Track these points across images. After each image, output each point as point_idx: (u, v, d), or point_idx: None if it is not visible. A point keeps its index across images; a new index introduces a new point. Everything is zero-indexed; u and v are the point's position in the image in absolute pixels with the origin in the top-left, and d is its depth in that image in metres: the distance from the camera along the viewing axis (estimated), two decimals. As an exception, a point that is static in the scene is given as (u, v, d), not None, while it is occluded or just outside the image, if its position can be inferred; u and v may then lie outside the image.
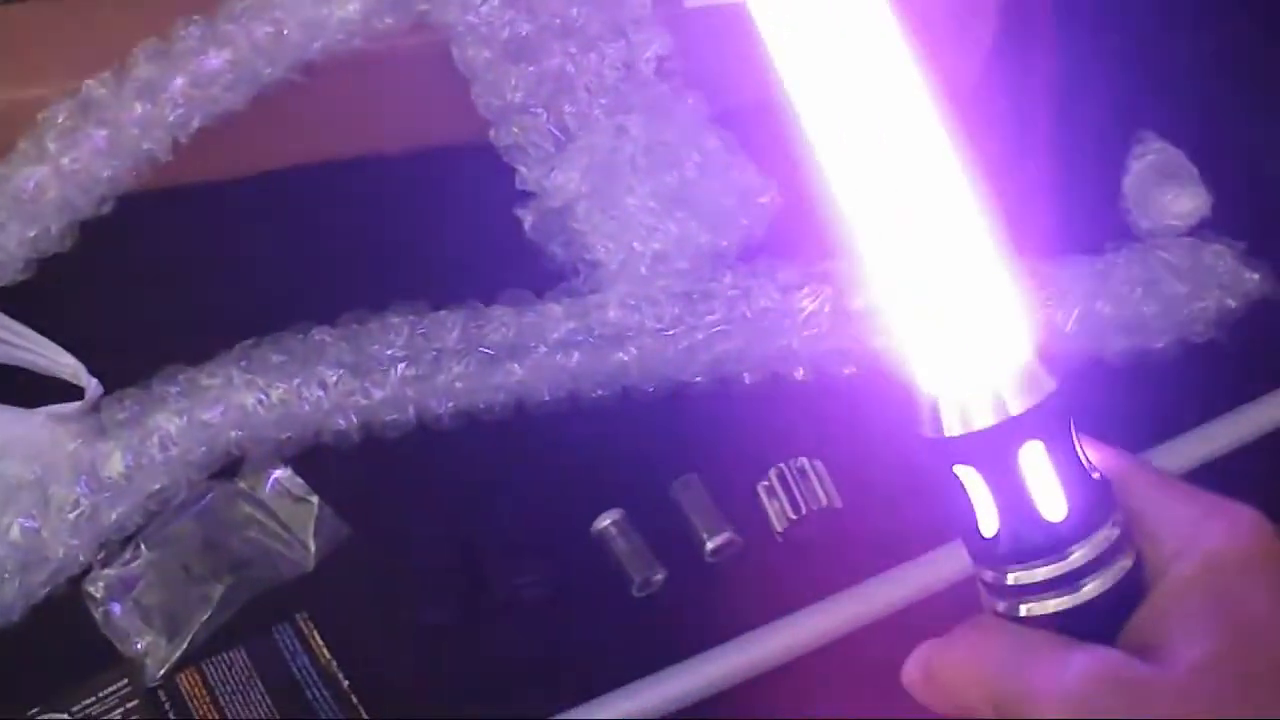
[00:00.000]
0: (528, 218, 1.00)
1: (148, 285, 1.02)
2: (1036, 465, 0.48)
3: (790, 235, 1.00)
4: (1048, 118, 1.12)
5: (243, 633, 0.90)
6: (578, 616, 0.91)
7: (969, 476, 0.49)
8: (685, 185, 0.98)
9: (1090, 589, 0.48)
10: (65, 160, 0.96)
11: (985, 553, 0.49)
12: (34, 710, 0.87)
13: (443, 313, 0.94)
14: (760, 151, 1.01)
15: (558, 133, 0.95)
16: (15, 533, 0.89)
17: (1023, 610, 0.49)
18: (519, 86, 0.94)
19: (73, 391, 0.97)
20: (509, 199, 1.01)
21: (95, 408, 0.94)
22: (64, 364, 0.98)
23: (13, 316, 0.98)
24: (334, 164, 1.06)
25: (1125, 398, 0.96)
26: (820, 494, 0.93)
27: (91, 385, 0.97)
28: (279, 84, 1.00)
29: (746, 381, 0.97)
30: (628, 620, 0.91)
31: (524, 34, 0.94)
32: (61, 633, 0.90)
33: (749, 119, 1.01)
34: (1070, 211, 1.06)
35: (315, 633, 0.90)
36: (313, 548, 0.92)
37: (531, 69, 0.94)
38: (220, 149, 1.00)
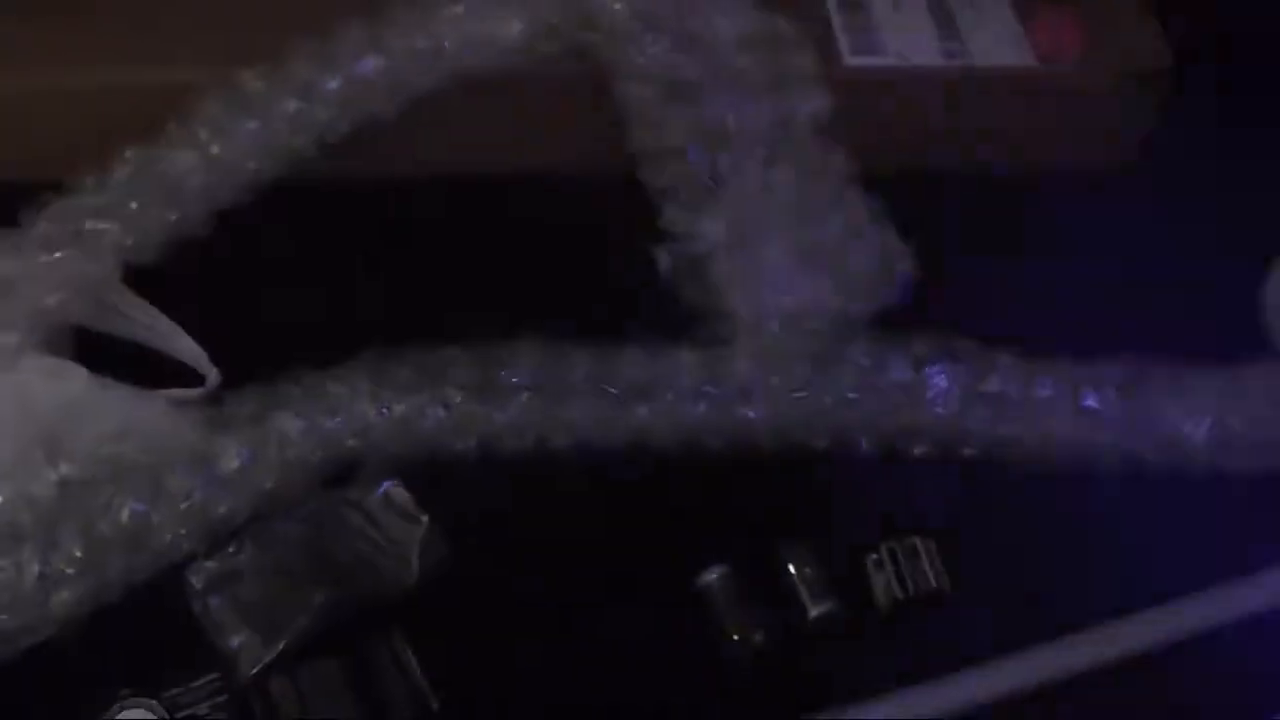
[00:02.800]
0: (663, 258, 1.00)
1: (277, 282, 1.02)
2: None
3: (925, 307, 0.99)
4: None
5: (338, 642, 0.89)
6: (671, 669, 0.90)
7: None
8: (826, 246, 0.97)
9: None
10: (214, 149, 0.96)
11: None
12: (123, 692, 0.87)
13: (574, 346, 0.93)
14: (902, 218, 1.01)
15: (709, 179, 0.95)
16: (125, 515, 0.89)
17: None
18: (678, 130, 0.94)
19: (191, 377, 0.97)
20: (645, 236, 1.01)
21: (213, 398, 0.95)
22: (186, 349, 0.98)
23: (142, 297, 0.98)
24: (474, 179, 1.05)
25: (1246, 516, 0.95)
26: (930, 575, 0.92)
27: (212, 374, 0.97)
28: (432, 95, 0.99)
29: (864, 450, 0.95)
30: (721, 679, 0.90)
31: (690, 79, 0.94)
32: (158, 619, 0.90)
33: (894, 184, 1.01)
34: (1207, 312, 1.05)
35: (410, 652, 0.89)
36: (416, 566, 0.91)
37: (692, 114, 0.94)
38: (366, 153, 1.00)
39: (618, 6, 0.95)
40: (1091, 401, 0.95)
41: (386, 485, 0.93)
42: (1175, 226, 1.12)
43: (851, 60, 1.05)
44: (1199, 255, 1.10)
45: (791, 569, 0.93)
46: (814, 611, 0.92)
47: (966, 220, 1.08)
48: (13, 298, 0.91)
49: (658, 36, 0.94)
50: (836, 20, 1.07)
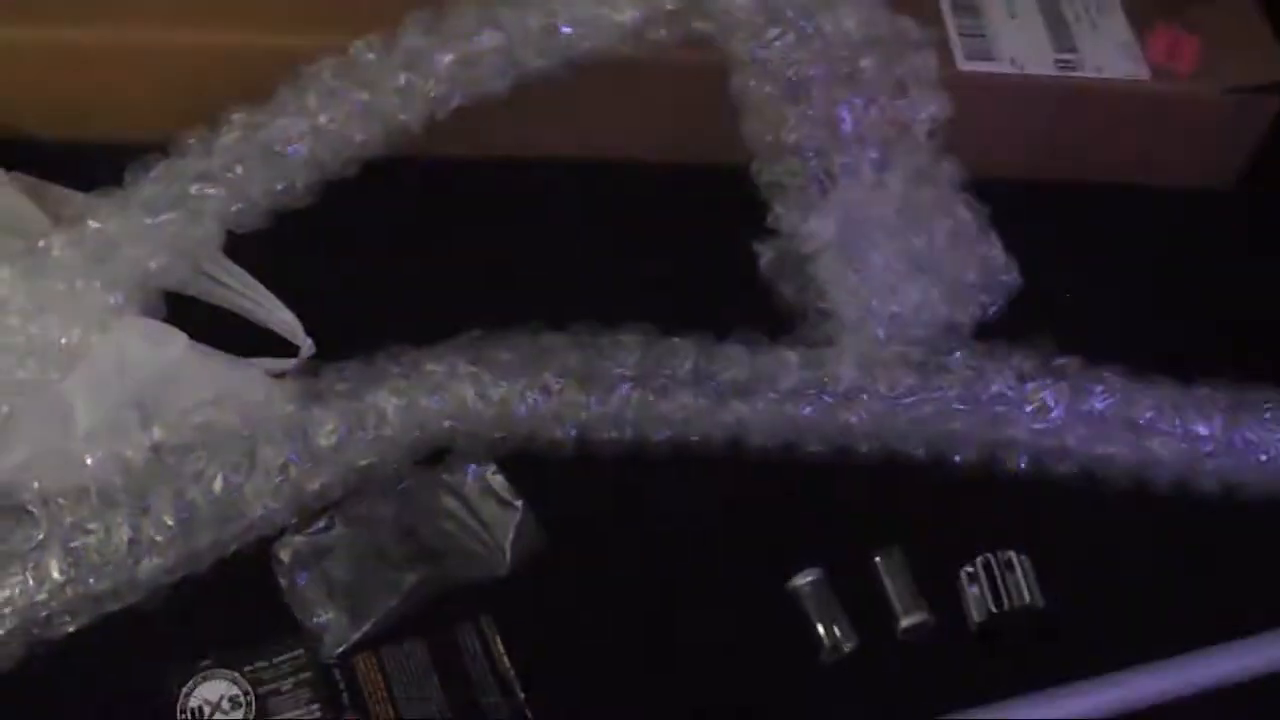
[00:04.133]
0: (765, 254, 0.99)
1: (379, 255, 1.01)
2: None
3: (1029, 319, 0.98)
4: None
5: (425, 625, 0.89)
6: (761, 672, 0.89)
7: None
8: (933, 252, 0.96)
9: None
10: (323, 118, 0.95)
11: None
12: (205, 662, 0.87)
13: (677, 340, 0.92)
14: (1007, 228, 1.00)
15: (822, 179, 0.94)
16: (218, 484, 0.88)
17: None
18: (794, 127, 0.93)
19: (285, 347, 0.97)
20: (747, 231, 0.99)
21: (309, 370, 0.94)
22: (283, 319, 0.98)
23: (242, 265, 0.98)
24: (583, 163, 1.05)
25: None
26: (1024, 590, 0.91)
27: (307, 344, 0.96)
28: (543, 75, 0.98)
29: (962, 462, 0.94)
30: (811, 683, 0.90)
31: (809, 76, 0.92)
32: (245, 591, 0.89)
33: (1002, 193, 1.00)
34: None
35: (498, 639, 0.89)
36: (509, 552, 0.91)
37: (810, 112, 0.93)
38: (474, 130, 0.99)
39: (741, -2, 0.94)
40: (1195, 426, 0.94)
41: (483, 469, 0.92)
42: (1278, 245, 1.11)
43: (965, 66, 1.04)
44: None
45: (885, 577, 0.92)
46: (905, 621, 0.91)
47: (1073, 232, 1.07)
48: (116, 259, 0.90)
49: (780, 30, 0.93)
50: (951, 25, 1.06)
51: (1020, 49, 1.05)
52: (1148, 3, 1.10)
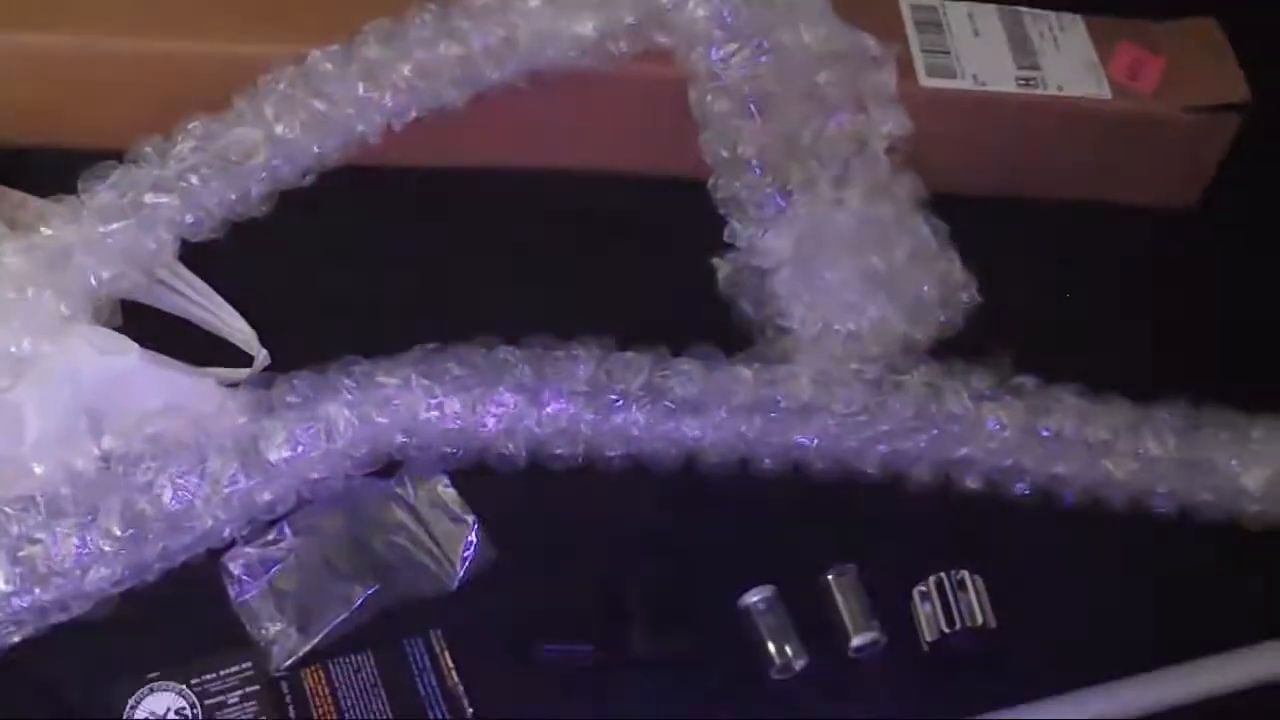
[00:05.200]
0: (723, 269, 0.98)
1: (334, 265, 1.01)
2: None
3: (986, 337, 0.97)
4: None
5: (374, 639, 0.88)
6: (710, 687, 0.89)
7: None
8: (890, 269, 0.96)
9: None
10: (279, 128, 0.94)
11: None
12: (152, 674, 0.86)
13: (630, 354, 0.92)
14: (967, 245, 0.99)
15: (779, 195, 0.93)
16: (168, 495, 0.87)
17: None
18: (751, 142, 0.92)
19: (241, 357, 0.96)
20: (705, 246, 0.99)
21: (263, 381, 0.93)
22: (238, 329, 0.97)
23: (199, 274, 0.97)
24: (539, 175, 1.04)
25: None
26: (976, 610, 0.91)
27: (261, 355, 0.96)
28: (500, 87, 0.98)
29: (917, 480, 0.94)
30: (759, 700, 0.89)
31: (767, 92, 0.92)
32: (193, 603, 0.89)
33: (961, 209, 1.00)
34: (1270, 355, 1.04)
35: (446, 653, 0.88)
36: (459, 567, 0.90)
37: (768, 127, 0.92)
38: (430, 141, 0.99)
39: (700, 12, 0.93)
40: (1150, 446, 0.94)
41: (434, 483, 0.92)
42: (1240, 264, 1.11)
43: (927, 82, 1.04)
44: (1263, 295, 1.09)
45: (837, 595, 0.92)
46: (856, 640, 0.91)
47: (1033, 249, 1.07)
48: (68, 267, 0.90)
49: (738, 45, 0.93)
50: (914, 41, 1.05)
51: (982, 66, 1.05)
52: (1111, 22, 1.10)
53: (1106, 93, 1.06)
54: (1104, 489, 0.94)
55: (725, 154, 0.94)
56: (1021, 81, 1.05)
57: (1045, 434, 0.93)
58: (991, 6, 1.09)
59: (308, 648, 0.88)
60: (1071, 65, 1.06)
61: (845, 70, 0.95)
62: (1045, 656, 0.91)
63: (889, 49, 0.97)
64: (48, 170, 0.96)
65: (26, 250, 0.90)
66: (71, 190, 0.93)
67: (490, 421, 0.90)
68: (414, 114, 0.97)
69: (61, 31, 1.00)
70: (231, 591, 0.89)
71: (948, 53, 1.05)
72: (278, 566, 0.90)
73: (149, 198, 0.92)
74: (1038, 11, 1.10)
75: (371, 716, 0.86)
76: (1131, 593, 0.95)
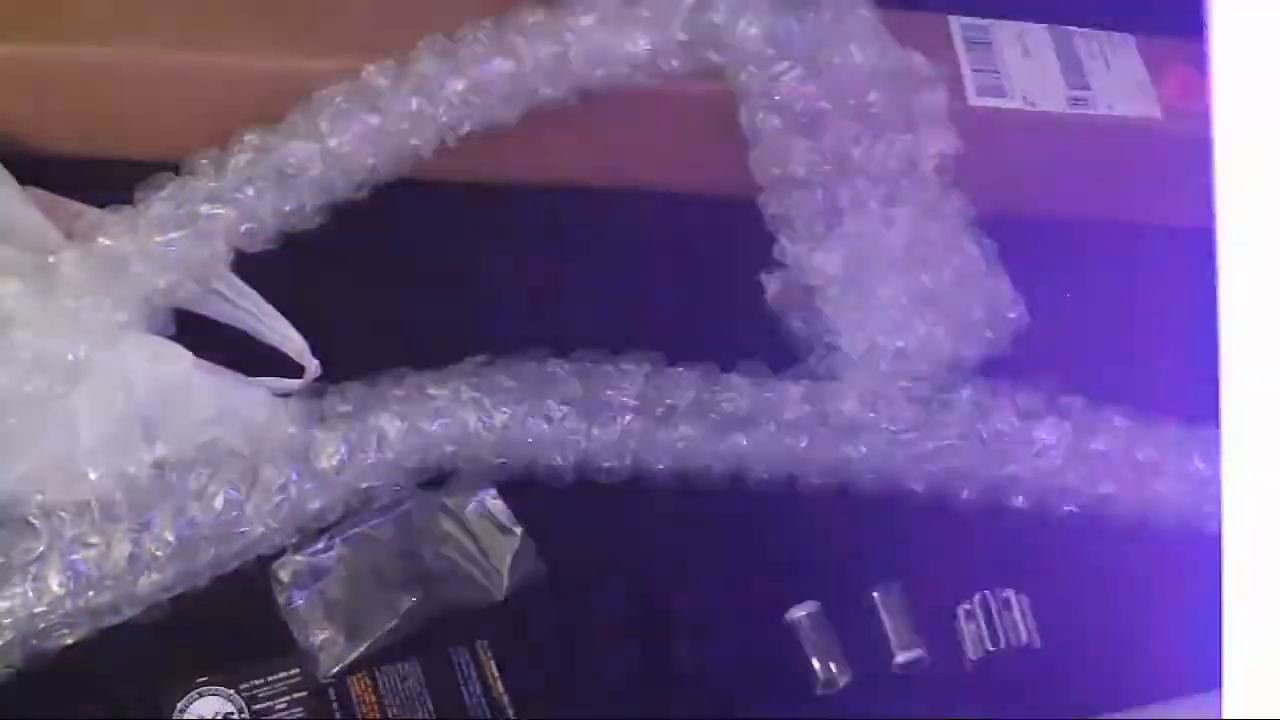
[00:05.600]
0: (771, 286, 0.99)
1: (386, 279, 1.02)
2: None
3: (1034, 357, 0.97)
4: None
5: (420, 647, 0.89)
6: (755, 702, 0.89)
7: None
8: (939, 288, 0.96)
9: None
10: (334, 141, 0.95)
11: None
12: (201, 679, 0.87)
13: (680, 369, 0.93)
14: (1016, 265, 0.99)
15: (829, 213, 0.94)
16: (219, 502, 0.88)
17: None
18: (802, 160, 0.93)
19: (291, 367, 0.97)
20: (755, 262, 1.00)
21: (314, 391, 0.94)
22: (290, 339, 0.98)
23: (251, 285, 0.98)
24: (590, 191, 1.05)
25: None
26: (1021, 629, 0.91)
27: (313, 366, 0.97)
28: (553, 104, 0.99)
29: (964, 498, 0.94)
30: (804, 714, 0.90)
31: (818, 110, 0.93)
32: (242, 610, 0.90)
33: (1010, 229, 1.00)
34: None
35: (492, 664, 0.89)
36: (506, 578, 0.91)
37: (819, 145, 0.93)
38: (483, 156, 1.00)
39: (752, 30, 0.94)
40: (1198, 466, 0.93)
41: (483, 494, 0.93)
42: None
43: (977, 101, 1.04)
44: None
45: (882, 612, 0.92)
46: (901, 657, 0.91)
47: (1082, 270, 1.07)
48: (124, 277, 0.91)
49: (790, 63, 0.93)
50: (964, 60, 1.05)
51: (1032, 85, 1.05)
52: (1162, 42, 1.10)
53: (1158, 113, 1.06)
54: (1151, 509, 0.94)
55: (776, 171, 0.95)
56: (1072, 101, 1.05)
57: (1092, 452, 0.93)
58: (1042, 26, 1.09)
59: (355, 655, 0.89)
60: (1122, 85, 1.06)
61: (896, 89, 0.95)
62: (1090, 677, 0.91)
63: (939, 68, 0.97)
64: (104, 181, 0.97)
65: (84, 258, 0.91)
66: (127, 201, 0.94)
67: (539, 434, 0.91)
68: (467, 129, 0.98)
69: (117, 44, 1.01)
70: (280, 599, 0.90)
71: (998, 72, 1.05)
72: (327, 575, 0.91)
73: (205, 209, 0.93)
74: (1089, 31, 1.09)
75: (416, 723, 0.87)
76: (1179, 614, 0.94)
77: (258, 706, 0.87)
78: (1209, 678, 0.89)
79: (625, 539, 0.93)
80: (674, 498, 0.93)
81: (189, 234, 0.92)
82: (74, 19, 1.02)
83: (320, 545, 0.91)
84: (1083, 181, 1.08)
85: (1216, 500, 0.93)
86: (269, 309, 0.99)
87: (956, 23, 1.08)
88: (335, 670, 0.88)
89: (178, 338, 0.94)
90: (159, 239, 0.92)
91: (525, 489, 0.92)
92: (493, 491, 0.93)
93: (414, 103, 0.96)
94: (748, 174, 0.97)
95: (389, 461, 0.91)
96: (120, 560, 0.87)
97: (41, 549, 0.86)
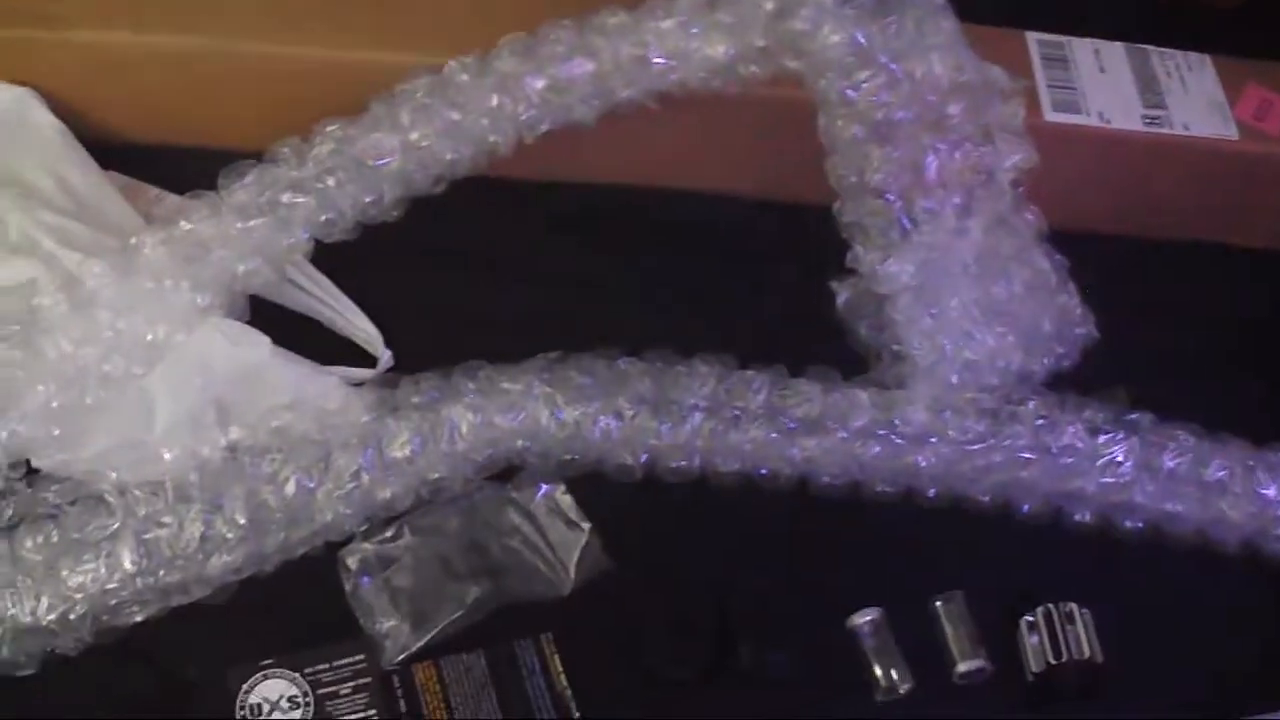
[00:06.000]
0: (843, 293, 0.99)
1: (460, 273, 1.03)
2: None
3: (1103, 372, 0.97)
4: None
5: (485, 639, 0.90)
6: (816, 707, 0.90)
7: None
8: (1010, 300, 0.96)
9: None
10: (414, 135, 0.96)
11: None
12: (267, 661, 0.88)
13: (750, 373, 0.93)
14: (1087, 281, 0.99)
15: (904, 222, 0.94)
16: (290, 487, 0.89)
17: None
18: (879, 169, 0.93)
19: (364, 357, 0.98)
20: (827, 269, 1.00)
21: (387, 381, 0.95)
22: (363, 329, 0.99)
23: (327, 275, 0.99)
24: (666, 193, 1.06)
25: None
26: (1084, 643, 0.91)
27: (385, 356, 0.98)
28: (631, 105, 0.99)
29: (1028, 511, 0.94)
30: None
31: (897, 119, 0.93)
32: (309, 595, 0.91)
33: (1083, 245, 1.00)
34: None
35: (557, 657, 0.89)
36: (573, 573, 0.92)
37: (896, 154, 0.93)
38: (561, 155, 1.00)
39: (834, 38, 0.94)
40: (1266, 488, 0.93)
41: (552, 489, 0.93)
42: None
43: (1052, 117, 1.04)
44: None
45: (944, 621, 0.92)
46: (962, 667, 0.91)
47: (1152, 288, 1.07)
48: (205, 260, 0.92)
49: (870, 72, 0.94)
50: (1041, 76, 1.06)
51: (1108, 103, 1.05)
52: (1239, 63, 1.09)
53: (1233, 133, 1.05)
54: (1218, 528, 0.94)
55: (852, 179, 0.95)
56: (1147, 120, 1.05)
57: (1160, 470, 0.93)
58: (1119, 44, 1.09)
59: (420, 644, 0.89)
60: (1198, 105, 1.06)
61: (974, 101, 0.95)
62: (1151, 694, 0.91)
63: (1018, 82, 0.97)
64: (187, 169, 0.98)
65: (166, 242, 0.92)
66: (205, 188, 0.95)
67: (609, 432, 0.91)
68: (545, 127, 0.98)
69: (202, 34, 1.03)
70: (347, 585, 0.91)
71: (1074, 89, 1.06)
72: (394, 563, 0.91)
73: (286, 197, 0.94)
74: (1165, 50, 1.09)
75: (481, 715, 0.88)
76: (1242, 634, 0.94)
77: (321, 691, 0.88)
78: (1271, 699, 0.90)
79: (691, 539, 0.94)
80: (741, 499, 0.93)
81: (270, 221, 0.93)
82: (158, 8, 1.03)
83: (389, 534, 0.92)
84: (1155, 200, 1.08)
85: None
86: (344, 299, 1.00)
87: (1034, 38, 1.08)
88: (400, 658, 0.89)
89: (254, 324, 0.95)
90: (240, 225, 0.93)
91: (594, 485, 0.93)
92: (562, 487, 0.93)
93: (494, 99, 0.97)
94: (823, 181, 0.98)
95: (460, 453, 0.91)
96: (191, 541, 0.88)
97: (115, 526, 0.88)
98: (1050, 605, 0.92)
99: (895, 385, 0.95)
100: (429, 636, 0.90)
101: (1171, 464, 0.93)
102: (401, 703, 0.88)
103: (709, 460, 0.92)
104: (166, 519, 0.88)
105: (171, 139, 1.06)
